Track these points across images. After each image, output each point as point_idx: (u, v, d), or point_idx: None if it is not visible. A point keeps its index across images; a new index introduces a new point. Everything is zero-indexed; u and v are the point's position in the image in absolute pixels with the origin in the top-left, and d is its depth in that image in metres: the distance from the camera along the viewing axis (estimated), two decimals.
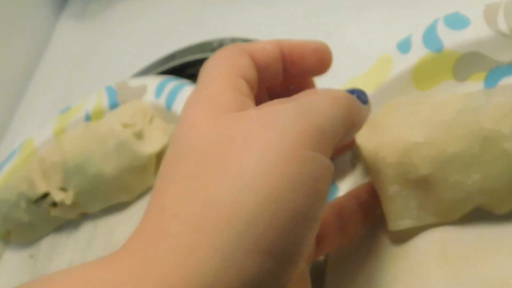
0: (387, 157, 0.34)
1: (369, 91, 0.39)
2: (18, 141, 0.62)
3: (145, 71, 0.61)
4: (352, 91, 0.30)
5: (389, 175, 0.34)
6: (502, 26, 0.37)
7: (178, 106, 0.47)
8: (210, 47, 0.58)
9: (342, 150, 0.39)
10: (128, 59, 0.65)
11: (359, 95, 0.30)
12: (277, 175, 0.23)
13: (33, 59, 0.79)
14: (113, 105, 0.53)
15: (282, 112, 0.25)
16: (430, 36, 0.40)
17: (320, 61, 0.32)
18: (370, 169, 0.36)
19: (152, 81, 0.51)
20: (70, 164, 0.49)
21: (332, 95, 0.26)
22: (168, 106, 0.47)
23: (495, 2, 0.38)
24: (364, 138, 0.37)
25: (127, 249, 0.23)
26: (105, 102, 0.54)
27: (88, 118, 0.55)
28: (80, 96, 0.60)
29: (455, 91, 0.38)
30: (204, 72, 0.28)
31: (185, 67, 0.59)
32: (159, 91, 0.49)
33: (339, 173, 0.40)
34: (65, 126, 0.57)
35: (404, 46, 0.41)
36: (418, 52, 0.40)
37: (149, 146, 0.46)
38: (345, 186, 0.39)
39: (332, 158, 0.38)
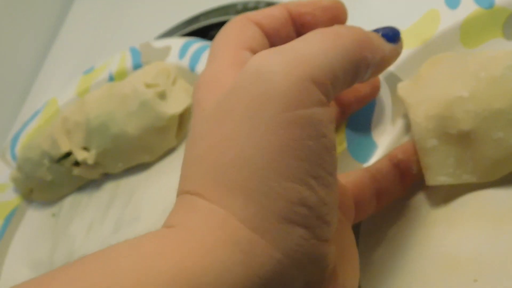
0: (429, 110, 0.33)
1: (414, 45, 0.38)
2: (42, 101, 0.60)
3: (169, 33, 0.60)
4: (378, 29, 0.27)
5: (429, 128, 0.33)
6: None
7: (202, 67, 0.46)
8: (234, 9, 0.56)
9: (365, 99, 0.37)
10: (152, 21, 0.64)
11: (386, 33, 0.27)
12: (273, 145, 0.22)
13: (57, 19, 0.76)
14: (137, 66, 0.52)
15: (268, 71, 0.23)
16: None
17: (333, 19, 0.29)
18: (411, 122, 0.35)
19: (176, 42, 0.50)
20: (92, 123, 0.48)
21: (334, 32, 0.24)
22: (192, 67, 0.47)
23: None
24: (407, 91, 0.36)
25: (168, 226, 0.23)
26: (128, 63, 0.53)
27: (111, 78, 0.54)
28: (103, 57, 0.57)
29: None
30: (211, 49, 0.28)
31: (209, 29, 0.58)
32: (183, 52, 0.48)
33: (378, 130, 0.38)
34: (89, 86, 0.56)
35: (452, 1, 0.39)
36: (467, 8, 0.38)
37: (172, 107, 0.46)
38: (384, 143, 0.38)
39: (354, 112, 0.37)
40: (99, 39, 0.71)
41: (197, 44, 0.48)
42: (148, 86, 0.46)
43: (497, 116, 0.30)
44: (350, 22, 0.48)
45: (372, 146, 0.38)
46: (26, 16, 0.75)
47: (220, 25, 0.57)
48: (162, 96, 0.46)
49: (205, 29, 0.58)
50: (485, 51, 0.34)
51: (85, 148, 0.50)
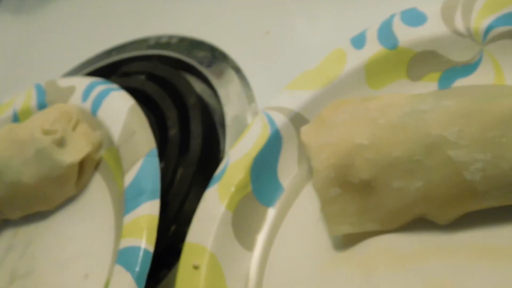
0: (330, 158, 0.33)
1: (320, 86, 0.38)
2: None
3: (80, 68, 0.59)
4: None
5: (331, 176, 0.32)
6: (459, 25, 0.35)
7: (104, 112, 0.43)
8: (146, 44, 0.53)
9: None
10: (65, 55, 0.63)
11: None
12: None
13: None
14: (41, 106, 0.49)
15: None
16: (385, 32, 0.37)
17: None
18: (312, 170, 0.34)
19: (81, 82, 0.47)
20: None
21: None
22: (94, 112, 0.44)
23: None
24: (309, 136, 0.35)
25: None
26: (33, 101, 0.50)
27: (16, 117, 0.51)
28: (13, 91, 0.54)
29: (408, 91, 0.36)
30: None
31: (121, 64, 0.54)
32: (86, 94, 0.46)
33: (284, 172, 0.37)
34: None
35: (358, 41, 0.38)
36: (372, 48, 0.38)
37: (70, 155, 0.42)
38: (290, 186, 0.37)
39: None
40: (10, 72, 0.67)
41: (101, 86, 0.45)
42: (45, 132, 0.43)
43: (395, 164, 0.30)
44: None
45: (278, 189, 0.37)
46: None
47: (131, 59, 0.56)
48: (60, 143, 0.42)
49: (117, 63, 0.55)
50: (386, 96, 0.34)
51: None
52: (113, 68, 0.55)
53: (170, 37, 0.52)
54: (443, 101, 0.30)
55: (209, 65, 0.47)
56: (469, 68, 0.35)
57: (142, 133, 0.39)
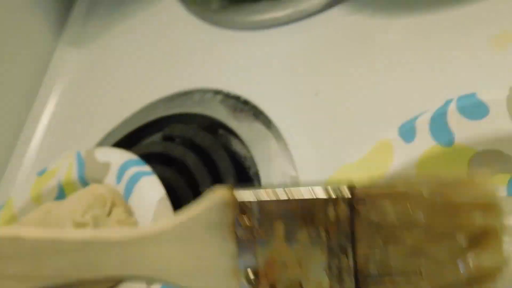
0: None
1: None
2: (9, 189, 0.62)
3: (125, 125, 0.57)
4: None
5: None
6: None
7: (134, 199, 0.42)
8: (191, 100, 0.52)
9: None
10: (108, 113, 0.60)
11: None
12: None
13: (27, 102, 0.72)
14: (81, 178, 0.49)
15: None
16: (439, 124, 0.32)
17: None
18: None
19: (116, 160, 0.46)
20: None
21: None
22: (126, 198, 0.43)
23: None
24: None
25: None
26: (74, 174, 0.50)
27: (61, 189, 0.51)
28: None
29: None
30: None
31: (166, 123, 0.53)
32: (120, 174, 0.45)
33: None
34: (41, 192, 0.53)
35: (406, 132, 0.33)
36: (424, 143, 0.32)
37: None
38: None
39: None
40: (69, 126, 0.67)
41: (134, 168, 0.44)
42: (76, 225, 0.42)
43: None
44: None
45: None
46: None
47: (176, 118, 0.53)
48: None
49: (162, 121, 0.54)
50: None
51: None
52: (158, 126, 0.53)
53: (216, 92, 0.50)
54: None
55: (250, 137, 0.44)
56: None
57: None
